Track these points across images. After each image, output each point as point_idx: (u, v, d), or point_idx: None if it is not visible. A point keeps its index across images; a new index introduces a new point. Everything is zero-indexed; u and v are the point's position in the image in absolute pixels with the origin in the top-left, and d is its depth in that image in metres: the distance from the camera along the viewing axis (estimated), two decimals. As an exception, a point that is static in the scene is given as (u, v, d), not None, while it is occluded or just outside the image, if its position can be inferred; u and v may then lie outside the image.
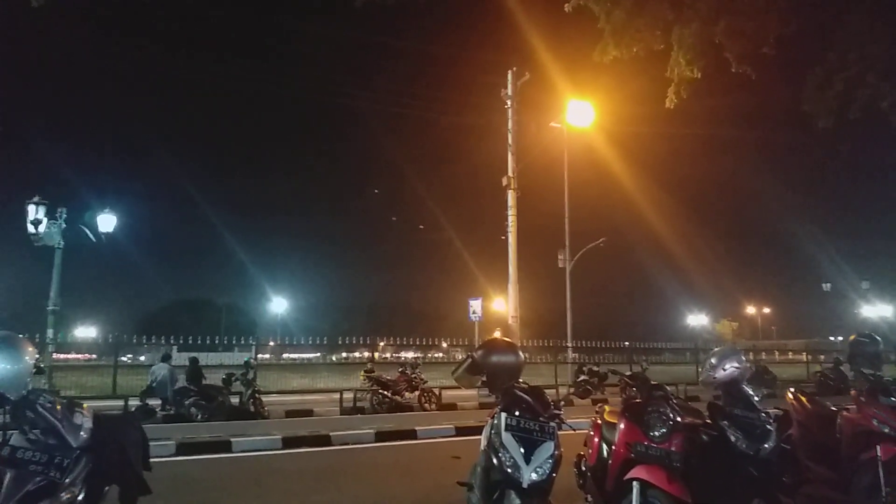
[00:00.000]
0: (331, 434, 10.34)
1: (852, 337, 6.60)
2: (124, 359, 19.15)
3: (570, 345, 23.05)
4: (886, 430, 5.65)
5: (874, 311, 44.50)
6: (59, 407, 3.34)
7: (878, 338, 6.49)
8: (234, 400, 14.19)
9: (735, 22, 8.11)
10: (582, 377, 18.61)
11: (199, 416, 13.19)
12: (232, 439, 9.73)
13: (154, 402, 13.75)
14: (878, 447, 5.59)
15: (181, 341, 16.37)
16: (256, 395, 14.27)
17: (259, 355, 20.44)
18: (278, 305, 63.08)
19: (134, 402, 13.43)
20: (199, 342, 16.13)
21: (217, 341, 17.69)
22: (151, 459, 3.92)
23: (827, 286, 53.90)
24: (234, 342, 18.21)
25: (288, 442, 9.87)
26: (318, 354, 29.86)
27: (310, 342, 19.69)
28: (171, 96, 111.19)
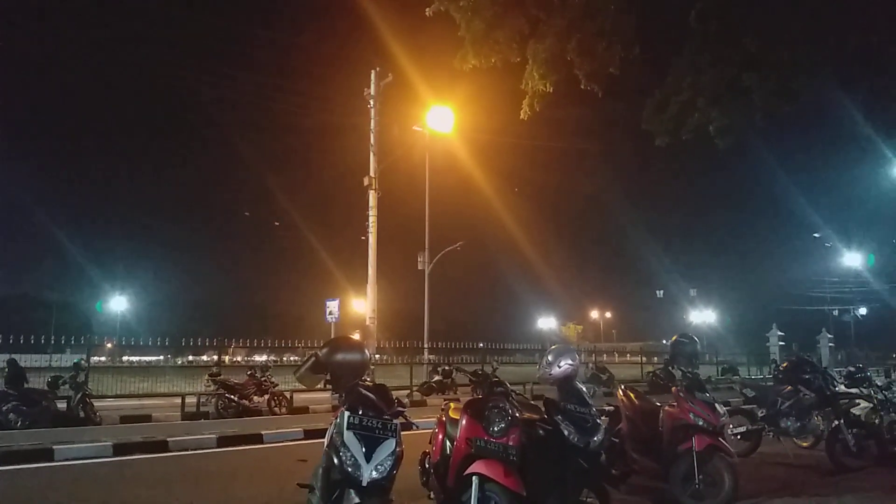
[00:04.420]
0: (168, 439, 9.73)
1: (674, 338, 7.20)
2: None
3: (426, 346, 23.35)
4: (701, 423, 6.21)
5: (700, 315, 49.10)
6: None
7: (695, 338, 7.14)
8: (62, 405, 12.98)
9: (585, 41, 8.55)
10: (436, 378, 18.90)
11: (19, 423, 11.92)
12: (54, 447, 8.89)
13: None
14: (694, 438, 6.13)
15: (1, 341, 14.69)
16: (87, 400, 13.13)
17: (94, 357, 18.89)
18: (118, 304, 58.54)
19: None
20: (23, 342, 14.58)
21: (44, 342, 16.09)
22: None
23: (660, 293, 58.82)
24: (64, 342, 16.65)
25: (119, 449, 9.17)
26: (162, 357, 28.09)
27: (150, 343, 18.46)
28: None
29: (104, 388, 15.13)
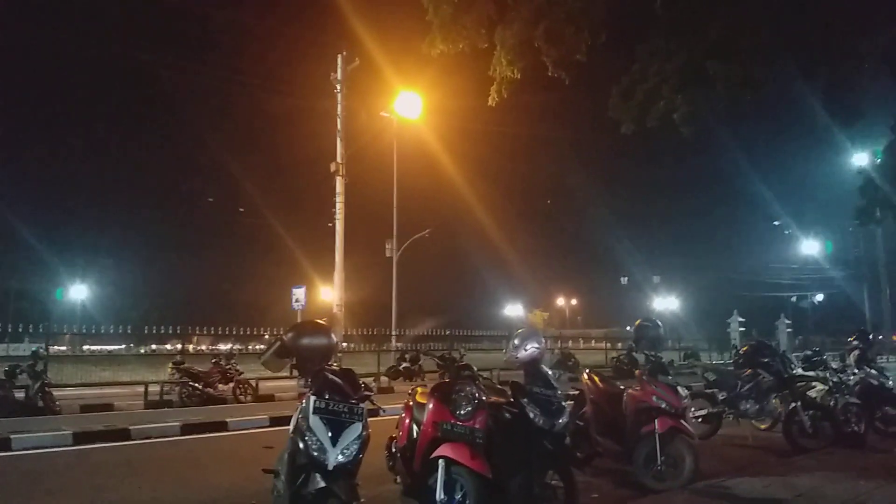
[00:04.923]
0: (130, 427, 9.56)
1: (637, 322, 7.31)
2: None
3: (394, 333, 23.35)
4: (663, 406, 6.33)
5: (664, 302, 49.94)
6: None
7: (659, 323, 7.25)
8: (20, 395, 12.66)
9: (552, 27, 8.57)
10: (404, 364, 18.87)
11: (-25, 413, 11.61)
12: (12, 436, 8.67)
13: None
14: (657, 421, 6.25)
15: (-46, 331, 14.27)
16: (46, 389, 12.82)
17: (54, 346, 18.45)
18: (78, 292, 57.19)
19: None
20: (-22, 331, 14.19)
21: (2, 330, 15.67)
22: None
23: (624, 280, 59.73)
24: (22, 331, 16.21)
25: (80, 437, 8.99)
26: (124, 346, 27.57)
27: (111, 332, 18.11)
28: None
29: (64, 377, 14.81)
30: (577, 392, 7.49)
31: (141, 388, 14.28)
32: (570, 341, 31.44)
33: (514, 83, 9.12)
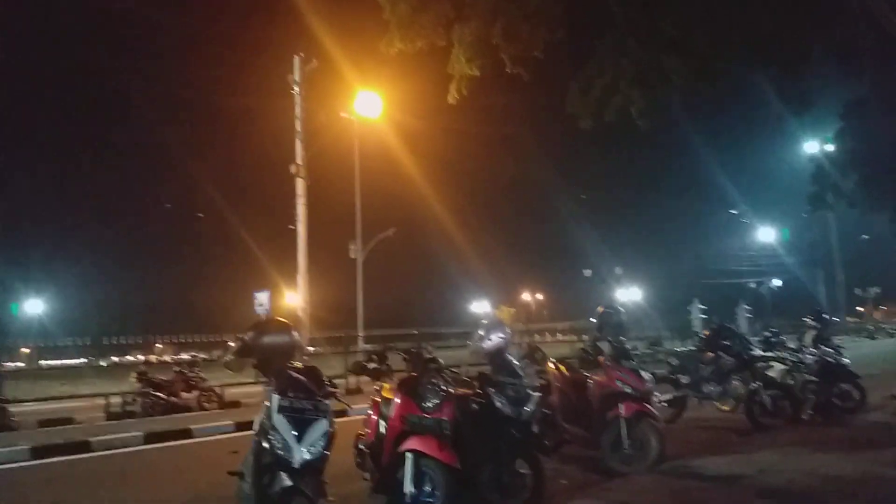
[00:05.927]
0: (91, 439, 9.30)
1: (600, 309, 7.41)
2: None
3: (360, 334, 23.21)
4: (628, 390, 6.43)
5: (627, 293, 50.55)
6: None
7: (621, 308, 7.38)
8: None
9: (510, 24, 8.59)
10: (372, 365, 18.74)
11: (-73, 434, 11.20)
12: (-34, 455, 8.40)
13: None
14: (622, 405, 6.34)
15: None
16: (2, 405, 12.46)
17: (10, 363, 17.97)
18: (34, 306, 55.48)
19: None
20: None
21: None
22: None
23: (587, 272, 60.22)
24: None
25: (38, 452, 8.70)
26: (85, 360, 26.94)
27: (70, 345, 17.67)
28: None
29: (21, 392, 14.37)
30: (544, 381, 7.55)
31: (102, 401, 13.94)
32: (537, 335, 31.66)
33: (473, 81, 9.11)
